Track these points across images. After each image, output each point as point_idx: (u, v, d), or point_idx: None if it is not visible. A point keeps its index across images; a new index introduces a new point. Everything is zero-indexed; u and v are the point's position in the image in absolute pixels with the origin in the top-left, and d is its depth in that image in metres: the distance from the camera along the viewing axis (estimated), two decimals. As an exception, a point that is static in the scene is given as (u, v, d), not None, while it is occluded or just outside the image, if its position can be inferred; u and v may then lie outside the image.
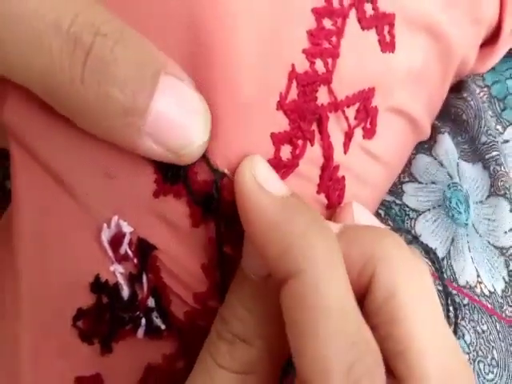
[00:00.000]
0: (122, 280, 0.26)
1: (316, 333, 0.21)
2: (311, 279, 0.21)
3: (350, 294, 0.22)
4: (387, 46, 0.29)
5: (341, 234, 0.25)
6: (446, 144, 0.40)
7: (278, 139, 0.25)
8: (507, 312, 0.38)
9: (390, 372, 0.23)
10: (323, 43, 0.26)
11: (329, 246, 0.22)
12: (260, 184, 0.23)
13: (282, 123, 0.25)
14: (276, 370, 0.25)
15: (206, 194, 0.25)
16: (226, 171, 0.24)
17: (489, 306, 0.37)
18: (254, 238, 0.23)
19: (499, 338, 0.37)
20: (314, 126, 0.26)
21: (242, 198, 0.23)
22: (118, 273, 0.26)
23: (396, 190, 0.39)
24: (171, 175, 0.24)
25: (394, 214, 0.39)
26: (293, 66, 0.25)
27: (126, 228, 0.25)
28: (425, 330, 0.23)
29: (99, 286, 0.26)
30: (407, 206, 0.39)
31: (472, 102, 0.40)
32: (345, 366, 0.20)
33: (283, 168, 0.26)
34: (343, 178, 0.29)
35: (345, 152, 0.28)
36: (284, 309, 0.22)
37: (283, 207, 0.22)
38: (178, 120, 0.22)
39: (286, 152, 0.26)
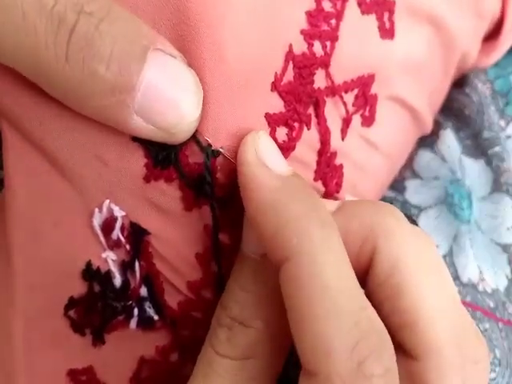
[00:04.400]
0: (114, 267, 0.25)
1: (314, 313, 0.20)
2: (306, 260, 0.20)
3: (350, 273, 0.21)
4: (387, 32, 0.28)
5: (338, 210, 0.24)
6: (449, 139, 0.39)
7: (273, 120, 0.25)
8: (510, 310, 0.37)
9: (399, 348, 0.22)
10: (322, 25, 0.25)
11: (325, 229, 0.21)
12: (261, 159, 0.22)
13: (276, 104, 0.25)
14: (278, 354, 0.25)
15: (198, 176, 0.24)
16: (220, 149, 0.24)
17: (491, 304, 0.37)
18: (251, 214, 0.22)
19: (501, 336, 0.36)
20: (311, 110, 0.26)
21: (242, 171, 0.22)
22: (110, 260, 0.25)
23: (398, 186, 0.39)
24: (162, 159, 0.24)
25: (395, 211, 0.39)
26: (290, 46, 0.25)
27: (118, 212, 0.24)
28: (431, 300, 0.22)
29: (91, 274, 0.25)
30: (409, 203, 0.39)
31: (474, 98, 0.39)
32: (348, 345, 0.20)
33: (280, 150, 0.25)
34: (341, 165, 0.28)
35: (342, 138, 0.28)
36: (283, 293, 0.21)
37: (283, 186, 0.22)
38: (168, 96, 0.22)
39: (281, 134, 0.25)
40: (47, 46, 0.20)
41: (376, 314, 0.21)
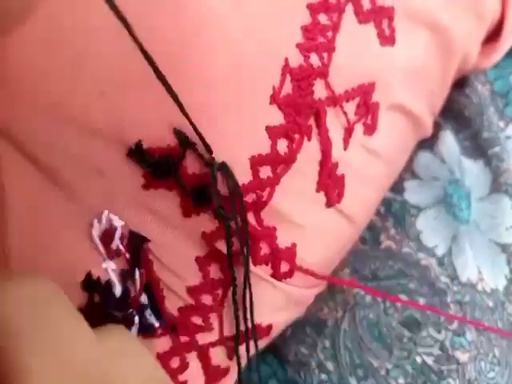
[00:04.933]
0: (114, 277, 0.25)
1: None
2: None
3: None
4: (387, 39, 0.28)
5: None
6: (448, 141, 0.39)
7: (273, 133, 0.25)
8: (509, 309, 0.37)
9: None
10: (318, 38, 0.25)
11: None
12: None
13: (276, 117, 0.25)
14: None
15: (197, 186, 0.24)
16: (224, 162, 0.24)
17: (490, 304, 0.37)
18: None
19: (501, 336, 0.37)
20: (312, 121, 0.26)
21: None
22: (110, 269, 0.25)
23: (397, 186, 0.39)
24: (161, 173, 0.24)
25: (394, 211, 0.39)
26: (286, 60, 0.25)
27: (117, 222, 0.25)
28: None
29: (91, 284, 0.25)
30: (408, 203, 0.39)
31: (474, 99, 0.39)
32: None
33: (281, 163, 0.26)
34: (343, 176, 0.28)
35: (345, 148, 0.28)
36: None
37: None
38: None
39: (282, 146, 0.26)
40: None
41: None
